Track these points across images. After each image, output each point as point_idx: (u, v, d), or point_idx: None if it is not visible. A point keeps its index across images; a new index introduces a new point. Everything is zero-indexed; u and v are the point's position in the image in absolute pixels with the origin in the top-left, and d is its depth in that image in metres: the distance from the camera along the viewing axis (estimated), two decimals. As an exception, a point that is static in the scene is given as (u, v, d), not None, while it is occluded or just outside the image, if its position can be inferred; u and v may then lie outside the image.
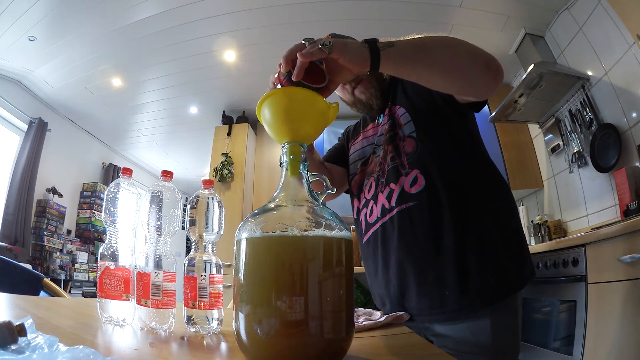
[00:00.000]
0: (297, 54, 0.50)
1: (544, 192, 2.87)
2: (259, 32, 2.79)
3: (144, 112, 3.96)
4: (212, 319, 0.57)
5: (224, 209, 0.64)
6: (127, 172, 0.64)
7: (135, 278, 0.58)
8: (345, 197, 1.05)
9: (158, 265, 0.57)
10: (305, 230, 0.39)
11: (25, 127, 3.51)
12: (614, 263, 1.41)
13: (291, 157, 0.46)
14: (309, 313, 0.36)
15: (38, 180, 3.50)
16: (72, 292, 3.58)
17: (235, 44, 2.95)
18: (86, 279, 3.80)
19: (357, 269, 1.03)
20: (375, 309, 0.84)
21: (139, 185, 0.65)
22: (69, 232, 3.91)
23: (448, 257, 0.75)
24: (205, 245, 0.60)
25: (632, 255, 1.33)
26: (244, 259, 0.40)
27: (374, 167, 0.90)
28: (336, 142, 1.15)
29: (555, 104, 2.54)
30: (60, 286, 2.25)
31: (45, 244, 3.49)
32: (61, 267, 3.55)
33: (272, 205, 0.44)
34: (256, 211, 0.43)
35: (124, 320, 0.58)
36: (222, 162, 3.52)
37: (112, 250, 0.60)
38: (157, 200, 0.59)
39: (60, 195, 3.80)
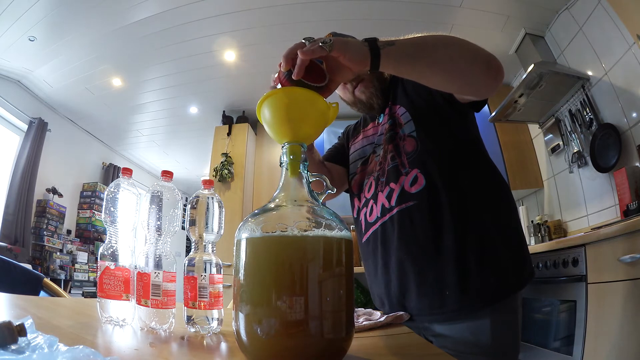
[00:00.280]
0: (298, 52, 0.50)
1: (544, 192, 2.87)
2: (259, 32, 2.79)
3: (144, 112, 3.96)
4: (212, 319, 0.57)
5: (224, 209, 0.64)
6: (127, 172, 0.64)
7: (135, 278, 0.58)
8: (345, 197, 1.05)
9: (158, 265, 0.57)
10: (305, 230, 0.39)
11: (25, 127, 3.51)
12: (614, 263, 1.41)
13: (291, 157, 0.46)
14: (309, 313, 0.36)
15: (38, 180, 3.50)
16: (72, 292, 3.58)
17: (235, 44, 2.95)
18: (86, 279, 3.80)
19: (357, 269, 1.03)
20: (375, 309, 0.84)
21: (139, 185, 0.65)
22: (69, 232, 3.91)
23: (448, 257, 0.75)
24: (205, 245, 0.60)
25: (632, 255, 1.33)
26: (244, 259, 0.40)
27: (374, 167, 0.90)
28: (336, 141, 1.15)
29: (555, 104, 2.54)
30: (60, 286, 2.25)
31: (45, 244, 3.49)
32: (61, 267, 3.55)
33: (272, 205, 0.44)
34: (256, 211, 0.43)
35: (124, 320, 0.58)
36: (222, 162, 3.52)
37: (112, 250, 0.60)
38: (157, 200, 0.59)
39: (60, 195, 3.80)
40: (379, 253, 0.84)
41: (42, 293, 1.44)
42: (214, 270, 0.58)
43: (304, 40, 0.53)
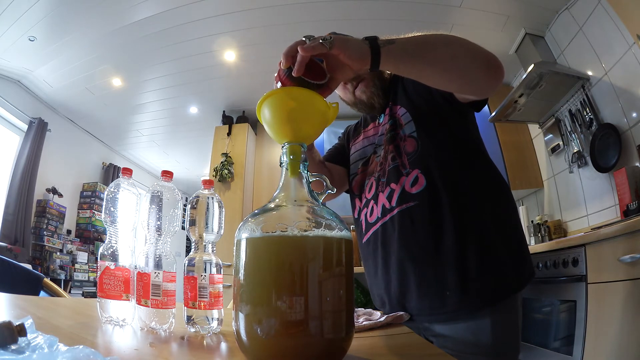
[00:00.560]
0: (298, 48, 0.50)
1: (544, 192, 2.87)
2: (259, 32, 2.79)
3: (144, 112, 3.96)
4: (212, 319, 0.57)
5: (224, 209, 0.64)
6: (127, 172, 0.64)
7: (135, 278, 0.58)
8: (345, 197, 1.05)
9: (158, 265, 0.57)
10: (305, 230, 0.39)
11: (25, 127, 3.51)
12: (614, 263, 1.41)
13: (291, 157, 0.46)
14: (309, 313, 0.36)
15: (38, 180, 3.50)
16: (72, 292, 3.58)
17: (235, 44, 2.95)
18: (86, 279, 3.80)
19: (357, 269, 1.03)
20: (375, 309, 0.84)
21: (139, 185, 0.65)
22: (69, 232, 3.91)
23: (448, 257, 0.75)
24: (205, 245, 0.60)
25: (632, 255, 1.33)
26: (244, 259, 0.40)
27: (374, 167, 0.90)
28: (336, 142, 1.15)
29: (555, 104, 2.54)
30: (60, 286, 2.25)
31: (45, 244, 3.49)
32: (61, 267, 3.55)
33: (272, 205, 0.44)
34: (256, 211, 0.43)
35: (124, 320, 0.58)
36: (222, 162, 3.52)
37: (112, 250, 0.60)
38: (157, 200, 0.59)
39: (60, 195, 3.80)
40: (379, 253, 0.83)
41: (42, 293, 1.44)
42: (214, 270, 0.58)
43: (304, 38, 0.53)
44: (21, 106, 3.42)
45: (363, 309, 0.79)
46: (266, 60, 3.04)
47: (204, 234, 0.60)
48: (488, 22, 2.63)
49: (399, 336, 0.60)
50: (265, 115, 0.49)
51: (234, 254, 0.42)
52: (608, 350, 1.39)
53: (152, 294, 0.55)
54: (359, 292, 2.23)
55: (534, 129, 2.97)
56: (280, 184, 0.46)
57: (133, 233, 0.63)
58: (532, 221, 2.75)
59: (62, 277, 3.52)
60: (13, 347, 0.31)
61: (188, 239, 0.80)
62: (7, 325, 0.32)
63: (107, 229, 0.61)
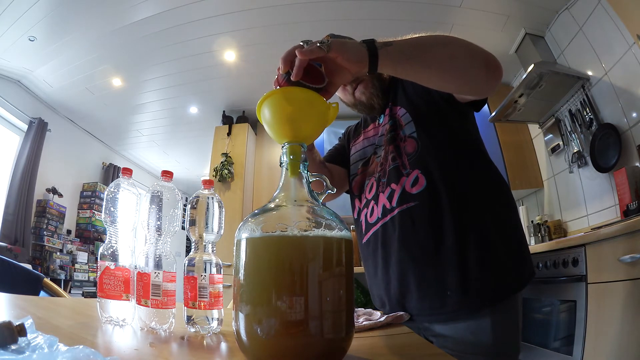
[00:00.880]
0: (296, 52, 0.50)
1: (544, 192, 2.87)
2: (259, 32, 2.79)
3: (144, 112, 3.96)
4: (212, 319, 0.57)
5: (224, 209, 0.64)
6: (127, 172, 0.64)
7: (135, 278, 0.58)
8: (345, 197, 1.05)
9: (158, 265, 0.57)
10: (305, 230, 0.39)
11: (25, 127, 3.51)
12: (614, 263, 1.41)
13: (291, 157, 0.46)
14: (309, 313, 0.36)
15: (38, 180, 3.50)
16: (72, 292, 3.58)
17: (235, 44, 2.95)
18: (86, 279, 3.80)
19: (357, 269, 1.03)
20: (375, 309, 0.84)
21: (139, 185, 0.65)
22: (69, 232, 3.92)
23: (448, 257, 0.75)
24: (205, 245, 0.60)
25: (632, 255, 1.33)
26: (244, 259, 0.40)
27: (375, 168, 0.90)
28: (336, 142, 1.15)
29: (555, 104, 2.54)
30: (60, 286, 2.25)
31: (45, 244, 3.49)
32: (61, 267, 3.55)
33: (272, 205, 0.44)
34: (256, 211, 0.43)
35: (124, 320, 0.58)
36: (222, 162, 3.52)
37: (112, 250, 0.60)
38: (157, 200, 0.59)
39: (60, 195, 3.80)
40: (379, 254, 0.83)
41: (42, 293, 1.44)
42: (214, 270, 0.58)
43: (301, 43, 0.53)
44: (21, 106, 3.42)
45: (363, 309, 0.79)
46: (266, 60, 3.04)
47: (204, 234, 0.60)
48: (488, 22, 2.63)
49: (399, 336, 0.60)
50: (265, 116, 0.49)
51: (234, 254, 0.42)
52: (608, 350, 1.39)
53: (152, 294, 0.55)
54: (359, 292, 2.23)
55: (534, 129, 2.97)
56: (280, 184, 0.46)
57: (133, 233, 0.63)
58: (532, 221, 2.75)
59: (62, 277, 3.52)
60: (13, 347, 0.31)
61: (188, 239, 0.80)
62: (7, 325, 0.32)
63: (107, 229, 0.61)
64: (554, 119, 2.63)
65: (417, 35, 0.68)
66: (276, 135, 0.49)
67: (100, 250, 0.60)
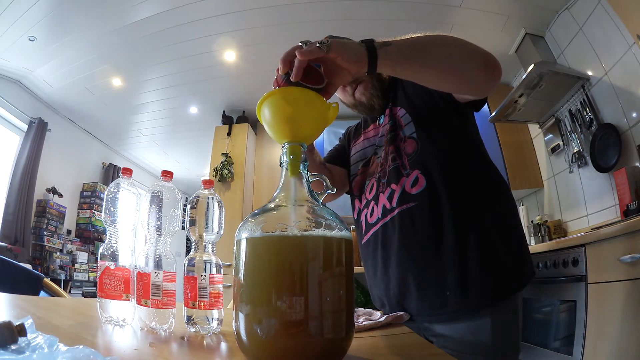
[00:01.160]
0: (296, 52, 0.50)
1: (544, 192, 2.87)
2: (259, 32, 2.79)
3: (144, 112, 3.96)
4: (212, 319, 0.57)
5: (224, 209, 0.64)
6: (127, 172, 0.64)
7: (135, 278, 0.58)
8: (345, 197, 1.05)
9: (158, 265, 0.57)
10: (305, 230, 0.39)
11: (25, 127, 3.51)
12: (614, 263, 1.41)
13: (291, 157, 0.46)
14: (309, 313, 0.36)
15: (38, 180, 3.50)
16: (72, 292, 3.58)
17: (235, 44, 2.95)
18: (86, 279, 3.80)
19: (357, 269, 1.03)
20: (375, 309, 0.84)
21: (139, 185, 0.65)
22: (69, 232, 3.92)
23: (448, 258, 0.75)
24: (205, 245, 0.60)
25: (632, 255, 1.33)
26: (244, 259, 0.40)
27: (375, 168, 0.90)
28: (336, 142, 1.15)
29: (555, 104, 2.54)
30: (60, 286, 2.25)
31: (45, 244, 3.49)
32: (61, 267, 3.55)
33: (272, 205, 0.44)
34: (256, 211, 0.43)
35: (124, 320, 0.58)
36: (222, 162, 3.52)
37: (112, 250, 0.60)
38: (157, 200, 0.59)
39: (60, 195, 3.80)
40: (379, 254, 0.84)
41: (42, 293, 1.44)
42: (214, 270, 0.58)
43: (300, 43, 0.53)
44: (21, 106, 3.42)
45: (363, 309, 0.79)
46: (266, 60, 3.04)
47: (204, 234, 0.60)
48: (488, 22, 2.63)
49: (399, 336, 0.60)
50: (265, 116, 0.49)
51: (234, 254, 0.42)
52: (608, 350, 1.39)
53: (152, 294, 0.55)
54: (359, 292, 2.23)
55: (534, 129, 2.97)
56: (280, 184, 0.46)
57: (133, 233, 0.63)
58: (532, 221, 2.75)
59: (62, 277, 3.52)
60: (13, 347, 0.31)
61: (188, 239, 0.80)
62: (7, 325, 0.32)
63: (107, 229, 0.61)
64: (554, 119, 2.63)
65: (416, 35, 0.68)
66: (276, 136, 0.49)
67: (100, 250, 0.60)
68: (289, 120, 0.48)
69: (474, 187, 0.80)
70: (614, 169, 2.04)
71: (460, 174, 0.80)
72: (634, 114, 1.96)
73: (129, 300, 0.59)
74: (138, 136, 4.51)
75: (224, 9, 2.58)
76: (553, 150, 2.68)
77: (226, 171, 3.47)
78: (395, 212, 0.80)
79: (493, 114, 2.69)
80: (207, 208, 0.61)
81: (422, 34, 0.69)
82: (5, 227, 3.18)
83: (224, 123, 3.79)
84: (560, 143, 2.59)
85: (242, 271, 0.40)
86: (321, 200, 0.46)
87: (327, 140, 3.21)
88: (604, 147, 2.13)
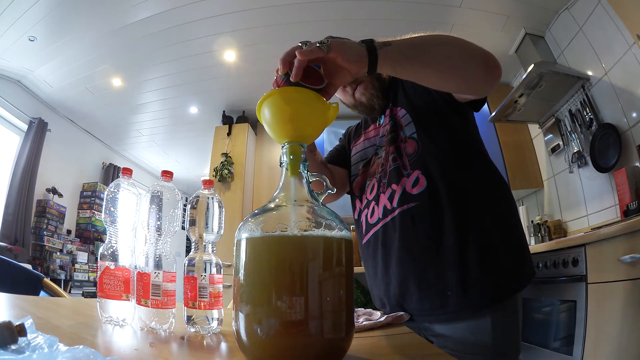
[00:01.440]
0: (296, 52, 0.50)
1: (544, 192, 2.87)
2: (259, 32, 2.79)
3: (144, 112, 3.96)
4: (212, 319, 0.57)
5: (224, 209, 0.64)
6: (127, 172, 0.64)
7: (135, 278, 0.58)
8: (345, 197, 1.05)
9: (158, 265, 0.57)
10: (305, 230, 0.39)
11: (25, 127, 3.51)
12: (614, 263, 1.41)
13: (291, 157, 0.46)
14: (309, 313, 0.36)
15: (38, 180, 3.50)
16: (72, 292, 3.58)
17: (235, 44, 2.95)
18: (86, 279, 3.80)
19: (357, 269, 1.03)
20: (375, 309, 0.84)
21: (139, 185, 0.65)
22: (69, 232, 3.91)
23: (449, 258, 0.75)
24: (205, 245, 0.60)
25: (632, 255, 1.33)
26: (244, 259, 0.40)
27: (376, 168, 0.90)
28: (337, 142, 1.15)
29: (555, 104, 2.54)
30: (60, 286, 2.25)
31: (45, 244, 3.49)
32: (61, 267, 3.55)
33: (272, 205, 0.44)
34: (256, 211, 0.43)
35: (124, 320, 0.58)
36: (222, 162, 3.52)
37: (112, 250, 0.60)
38: (157, 200, 0.59)
39: (60, 195, 3.80)
40: (380, 254, 0.84)
41: (42, 293, 1.44)
42: (214, 270, 0.58)
43: (300, 44, 0.53)
44: (21, 106, 3.42)
45: (363, 309, 0.79)
46: (266, 60, 3.04)
47: (204, 234, 0.60)
48: (488, 22, 2.63)
49: (399, 336, 0.60)
50: (265, 116, 0.49)
51: (234, 254, 0.42)
52: (608, 350, 1.39)
53: (152, 294, 0.55)
54: (359, 292, 2.23)
55: (534, 129, 2.97)
56: (280, 184, 0.46)
57: (133, 233, 0.63)
58: (532, 221, 2.75)
59: (62, 277, 3.52)
60: (13, 347, 0.31)
61: (188, 239, 0.80)
62: (7, 325, 0.32)
63: (107, 229, 0.61)
64: (554, 119, 2.63)
65: (416, 35, 0.68)
66: (276, 136, 0.49)
67: (100, 250, 0.60)
68: (288, 121, 0.48)
69: (474, 187, 0.80)
70: (614, 169, 2.04)
71: (461, 174, 0.80)
72: (634, 114, 1.96)
73: (129, 300, 0.59)
74: (138, 136, 4.51)
75: (224, 9, 2.58)
76: (553, 150, 2.68)
77: (226, 171, 3.47)
78: (396, 212, 0.80)
79: (493, 114, 2.69)
80: (207, 208, 0.61)
81: (422, 34, 0.69)
82: (5, 227, 3.18)
83: (224, 123, 3.79)
84: (560, 143, 2.59)
85: (242, 271, 0.40)
86: (321, 201, 0.46)
87: (327, 140, 3.21)
88: (604, 147, 2.13)
